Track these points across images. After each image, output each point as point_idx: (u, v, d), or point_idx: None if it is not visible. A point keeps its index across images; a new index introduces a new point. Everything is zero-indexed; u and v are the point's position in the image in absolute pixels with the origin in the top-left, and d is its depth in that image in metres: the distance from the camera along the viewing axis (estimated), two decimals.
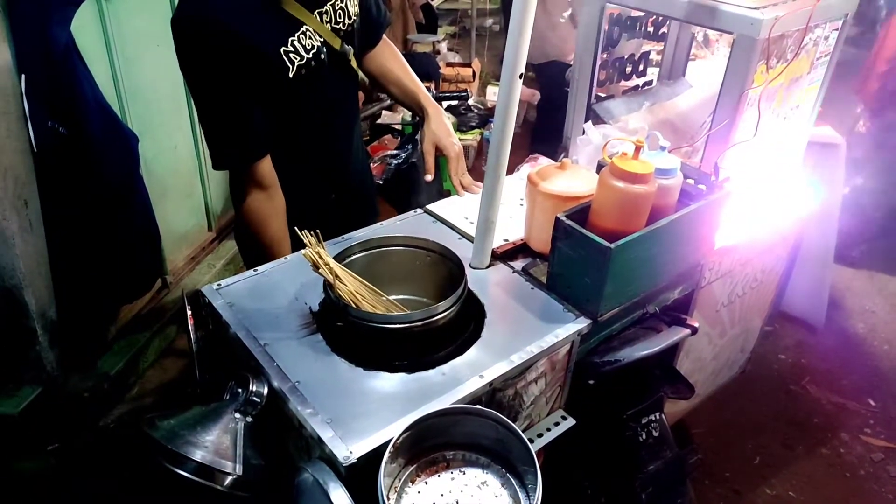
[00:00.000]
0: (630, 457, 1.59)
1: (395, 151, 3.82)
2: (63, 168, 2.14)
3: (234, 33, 1.32)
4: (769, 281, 2.01)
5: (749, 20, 1.49)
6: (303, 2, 1.41)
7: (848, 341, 3.09)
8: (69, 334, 2.35)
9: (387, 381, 1.19)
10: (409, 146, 3.67)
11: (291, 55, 1.41)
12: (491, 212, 1.42)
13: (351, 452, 1.03)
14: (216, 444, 1.09)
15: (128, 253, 2.44)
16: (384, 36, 1.76)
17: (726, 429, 2.54)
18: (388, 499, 1.00)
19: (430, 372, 1.21)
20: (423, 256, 1.43)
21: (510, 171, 1.51)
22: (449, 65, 5.26)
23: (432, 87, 4.68)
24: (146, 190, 2.52)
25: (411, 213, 1.76)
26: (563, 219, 1.33)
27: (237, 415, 1.14)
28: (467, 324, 1.32)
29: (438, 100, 3.52)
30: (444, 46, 5.54)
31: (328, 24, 1.48)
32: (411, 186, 3.09)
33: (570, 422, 1.40)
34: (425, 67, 4.82)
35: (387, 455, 0.98)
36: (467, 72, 5.16)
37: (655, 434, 1.61)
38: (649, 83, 2.25)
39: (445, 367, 1.22)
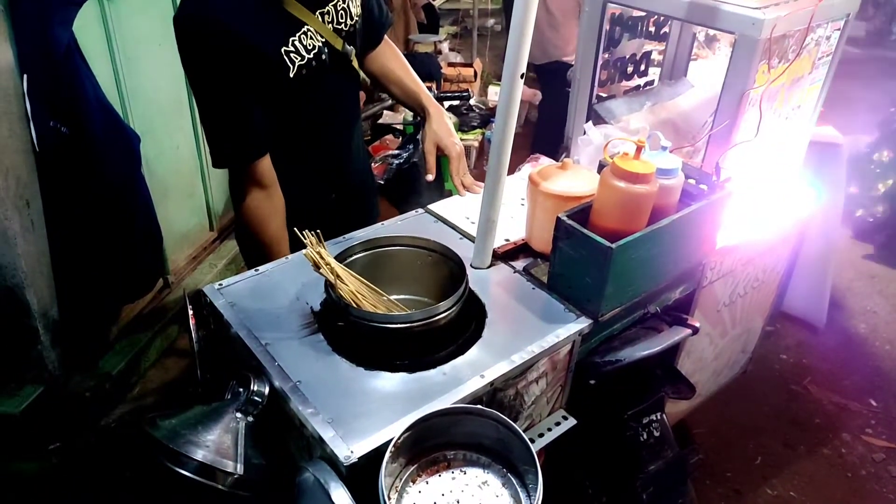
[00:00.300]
0: (631, 457, 1.59)
1: (396, 151, 3.82)
2: (65, 168, 2.15)
3: (234, 33, 1.32)
4: (770, 281, 2.01)
5: (750, 20, 1.49)
6: (304, 2, 1.41)
7: (849, 341, 3.08)
8: (71, 334, 2.35)
9: (388, 381, 1.19)
10: (411, 146, 3.67)
11: (292, 55, 1.41)
12: (492, 212, 1.42)
13: (352, 452, 1.03)
14: (217, 444, 1.09)
15: (129, 252, 2.45)
16: (385, 36, 1.76)
17: (727, 429, 2.54)
18: (389, 498, 1.00)
19: (431, 372, 1.21)
20: (425, 256, 1.43)
21: (511, 170, 1.51)
22: (450, 65, 5.25)
23: (434, 87, 4.68)
24: (148, 189, 2.52)
25: (412, 212, 1.76)
26: (565, 219, 1.33)
27: (238, 414, 1.15)
28: (468, 324, 1.32)
29: (440, 100, 3.52)
30: (445, 46, 5.54)
31: (330, 25, 1.48)
32: (412, 186, 3.09)
33: (571, 422, 1.40)
34: (427, 67, 4.82)
35: (388, 455, 0.99)
36: (469, 72, 5.16)
37: (656, 434, 1.61)
38: (651, 83, 2.25)
39: (446, 367, 1.22)
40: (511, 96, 1.28)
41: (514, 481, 1.07)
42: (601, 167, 1.58)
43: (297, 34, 1.42)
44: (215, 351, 1.36)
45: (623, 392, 1.56)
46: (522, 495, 1.04)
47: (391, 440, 1.01)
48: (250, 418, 1.15)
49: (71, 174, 2.17)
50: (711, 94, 1.91)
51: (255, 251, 1.55)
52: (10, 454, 2.22)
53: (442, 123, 1.64)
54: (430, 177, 1.64)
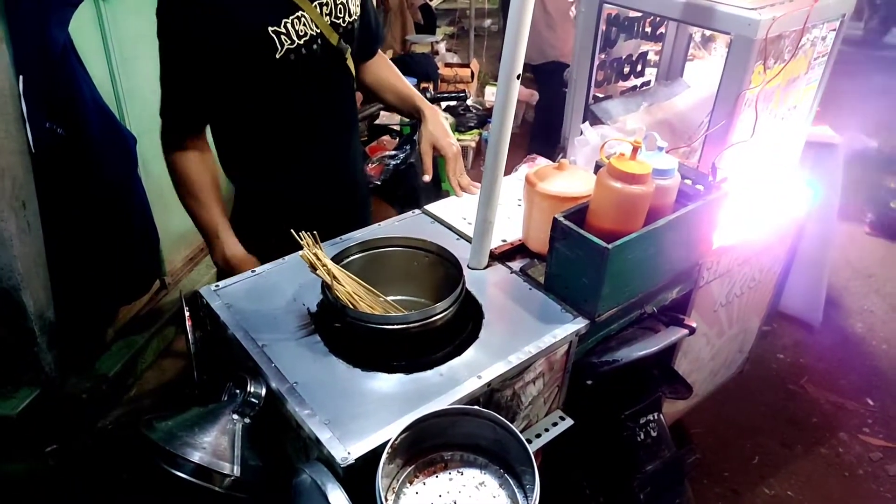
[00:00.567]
0: (628, 457, 1.59)
1: (393, 152, 3.82)
2: (61, 169, 2.14)
3: (217, 4, 1.32)
4: (767, 281, 2.01)
5: (746, 21, 1.50)
6: None
7: (846, 341, 3.09)
8: (67, 335, 2.35)
9: (385, 382, 1.19)
10: (408, 147, 3.67)
11: (282, 37, 1.40)
12: (489, 212, 1.42)
13: (349, 453, 1.03)
14: (214, 446, 1.09)
15: (126, 254, 2.44)
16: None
17: (725, 428, 2.54)
18: (386, 499, 1.00)
19: (428, 373, 1.20)
20: (421, 257, 1.43)
21: (508, 171, 1.51)
22: (447, 65, 5.26)
23: (430, 87, 4.68)
24: (144, 191, 2.52)
25: (409, 213, 1.76)
26: (561, 219, 1.33)
27: (235, 416, 1.14)
28: (465, 324, 1.32)
29: (437, 100, 3.52)
30: (442, 47, 5.55)
31: (327, 18, 1.48)
32: (409, 187, 3.09)
33: (569, 422, 1.40)
34: (424, 68, 4.82)
35: (385, 456, 0.98)
36: (465, 72, 5.16)
37: (653, 434, 1.61)
38: (647, 84, 2.25)
39: (443, 368, 1.22)
40: (507, 97, 1.28)
41: (512, 482, 1.07)
42: (598, 168, 1.58)
43: (291, 17, 1.41)
44: (212, 352, 1.35)
45: (620, 392, 1.56)
46: (520, 496, 1.04)
47: (388, 441, 1.01)
48: (247, 420, 1.15)
49: (67, 175, 2.17)
50: (707, 95, 1.91)
51: (185, 203, 1.61)
52: (7, 456, 2.21)
53: (438, 124, 1.64)
54: (427, 177, 1.64)
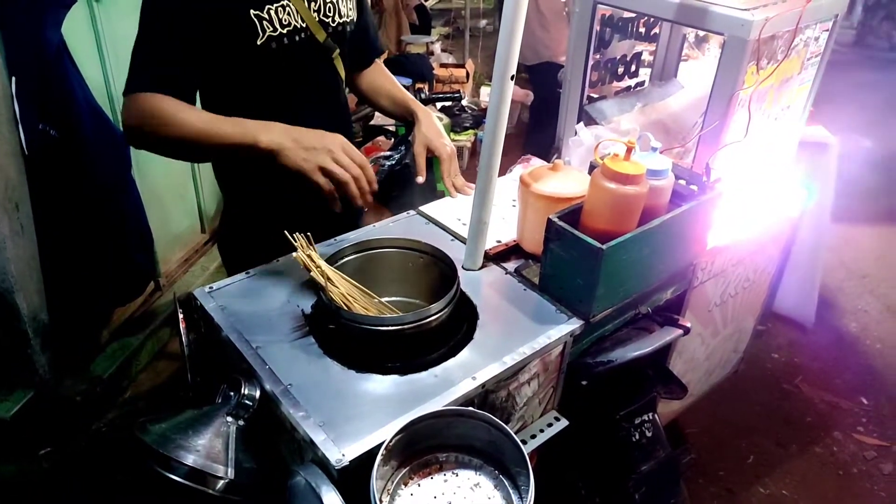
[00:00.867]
0: (623, 457, 1.59)
1: (388, 153, 3.80)
2: (54, 171, 2.14)
3: None
4: (761, 281, 2.02)
5: (739, 21, 1.50)
6: None
7: (841, 340, 3.10)
8: (61, 337, 2.34)
9: (379, 384, 1.18)
10: (403, 147, 3.65)
11: (265, 22, 1.38)
12: (483, 213, 1.42)
13: (343, 455, 1.02)
14: (208, 448, 1.08)
15: (120, 255, 2.44)
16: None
17: (720, 428, 2.55)
18: (381, 501, 1.00)
19: (423, 374, 1.20)
20: (416, 258, 1.43)
21: (503, 172, 1.51)
22: (442, 66, 5.26)
23: (426, 87, 4.68)
24: (138, 192, 2.51)
25: (404, 214, 1.76)
26: (556, 220, 1.33)
27: (229, 418, 1.14)
28: (460, 325, 1.32)
29: (432, 100, 3.52)
30: (437, 47, 5.55)
31: (315, 14, 1.47)
32: (404, 188, 3.09)
33: (563, 423, 1.40)
34: (419, 68, 4.82)
35: (379, 458, 0.98)
36: (461, 72, 5.17)
37: (648, 434, 1.61)
38: (641, 84, 2.26)
39: (438, 369, 1.21)
40: (501, 97, 1.28)
41: (507, 483, 1.07)
42: (592, 168, 1.58)
43: (275, 5, 1.39)
44: (206, 354, 1.35)
45: (615, 393, 1.56)
46: (514, 497, 1.04)
47: (383, 443, 1.00)
48: (241, 422, 1.14)
49: (60, 177, 2.16)
50: (701, 95, 1.92)
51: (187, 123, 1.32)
52: (1, 459, 2.20)
53: (431, 125, 1.64)
54: (421, 179, 1.64)
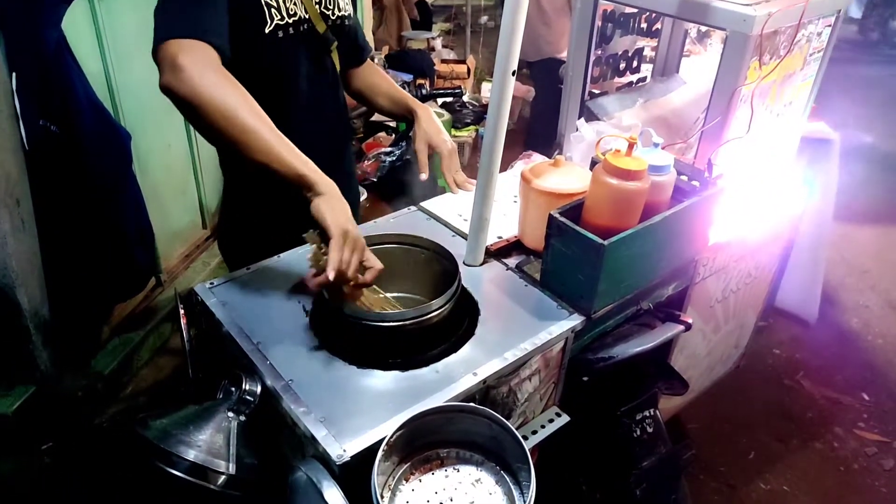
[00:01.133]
0: (624, 453, 1.59)
1: (388, 149, 3.82)
2: (55, 166, 2.13)
3: None
4: (763, 277, 2.01)
5: (742, 16, 1.50)
6: None
7: (842, 336, 3.10)
8: (62, 333, 2.34)
9: (380, 380, 1.18)
10: (403, 143, 3.67)
11: (273, 10, 1.38)
12: (485, 209, 1.42)
13: (344, 451, 1.02)
14: (209, 444, 1.08)
15: (121, 251, 2.44)
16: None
17: (721, 424, 2.55)
18: (382, 497, 1.00)
19: (424, 370, 1.20)
20: (417, 254, 1.43)
21: (504, 168, 1.51)
22: (443, 61, 5.26)
23: (426, 83, 4.67)
24: (139, 188, 2.51)
25: (405, 210, 1.75)
26: (557, 216, 1.33)
27: (230, 414, 1.14)
28: (461, 321, 1.32)
29: (433, 96, 3.52)
30: (438, 43, 5.54)
31: (317, 5, 1.47)
32: (405, 183, 3.08)
33: (565, 419, 1.40)
34: (419, 64, 4.81)
35: (380, 453, 0.98)
36: (462, 68, 5.16)
37: (650, 430, 1.61)
38: (643, 80, 2.25)
39: (439, 365, 1.21)
40: (503, 93, 1.28)
41: (508, 479, 1.07)
42: (593, 164, 1.58)
43: None
44: (207, 350, 1.35)
45: (616, 388, 1.56)
46: (516, 493, 1.04)
47: (384, 439, 1.00)
48: (242, 417, 1.15)
49: (61, 173, 2.16)
50: (703, 91, 1.91)
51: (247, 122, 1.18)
52: (2, 454, 2.21)
53: (431, 122, 1.64)
54: (424, 176, 1.64)
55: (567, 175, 1.48)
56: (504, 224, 1.62)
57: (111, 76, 2.49)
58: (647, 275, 1.45)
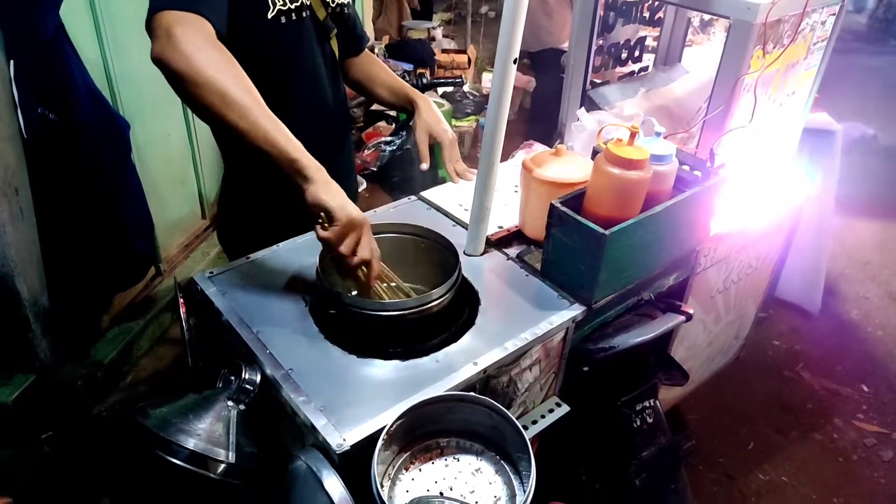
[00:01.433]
0: (624, 443, 1.59)
1: (389, 138, 3.80)
2: (54, 155, 2.12)
3: None
4: (764, 267, 2.01)
5: (745, 4, 1.48)
6: None
7: (842, 328, 3.10)
8: (62, 322, 2.34)
9: (380, 369, 1.18)
10: (403, 133, 3.65)
11: None
12: (485, 198, 1.41)
13: (344, 440, 1.02)
14: (209, 432, 1.08)
15: (121, 240, 2.43)
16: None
17: (720, 415, 2.55)
18: (382, 486, 1.00)
19: (424, 359, 1.20)
20: (417, 243, 1.42)
21: (505, 157, 1.50)
22: (444, 51, 5.23)
23: (427, 73, 4.65)
24: (138, 177, 2.50)
25: (405, 199, 1.75)
26: (558, 205, 1.32)
27: (230, 402, 1.14)
28: (461, 311, 1.32)
29: (433, 86, 3.50)
30: (439, 33, 5.51)
31: None
32: (405, 173, 3.08)
33: (565, 409, 1.40)
34: (420, 54, 4.79)
35: (380, 442, 0.98)
36: (462, 58, 5.13)
37: (650, 420, 1.61)
38: (645, 69, 2.24)
39: (439, 355, 1.21)
40: (504, 83, 1.27)
41: (508, 468, 1.07)
42: (595, 153, 1.57)
43: None
44: (207, 339, 1.35)
45: (616, 379, 1.56)
46: (516, 482, 1.04)
47: (384, 428, 1.00)
48: (242, 406, 1.14)
49: (60, 162, 2.15)
50: (706, 80, 1.90)
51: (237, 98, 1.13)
52: (2, 443, 2.21)
53: (431, 112, 1.63)
54: (425, 165, 1.63)
55: (568, 164, 1.47)
56: (505, 214, 1.61)
57: (109, 65, 2.48)
58: (649, 265, 1.44)
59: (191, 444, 1.05)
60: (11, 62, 1.94)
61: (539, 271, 1.44)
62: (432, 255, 1.41)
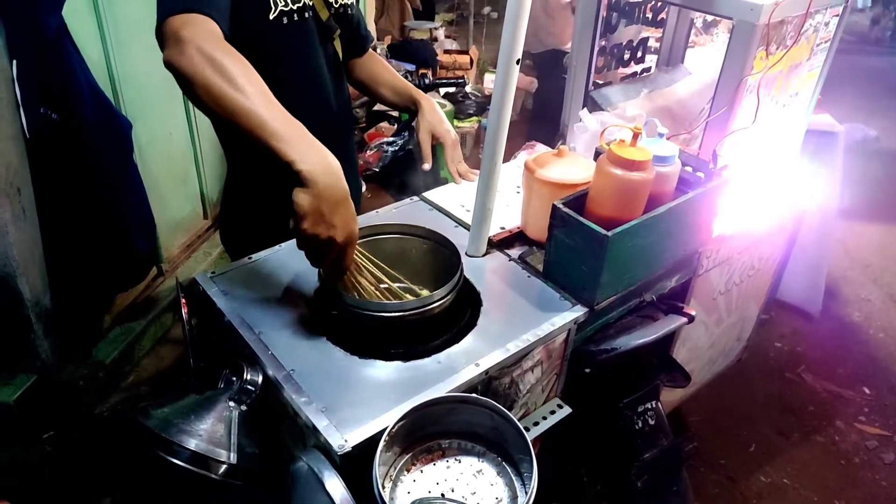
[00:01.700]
0: (626, 445, 1.59)
1: (391, 139, 3.80)
2: (56, 155, 2.12)
3: None
4: (766, 269, 2.01)
5: (749, 5, 1.48)
6: None
7: (844, 330, 3.09)
8: (64, 322, 2.34)
9: (382, 370, 1.18)
10: (406, 133, 3.65)
11: None
12: (487, 199, 1.41)
13: (346, 441, 1.02)
14: (210, 433, 1.08)
15: (122, 240, 2.43)
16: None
17: (722, 417, 2.55)
18: (384, 487, 0.99)
19: (426, 360, 1.20)
20: (419, 244, 1.42)
21: (507, 158, 1.50)
22: (446, 52, 5.23)
23: (429, 73, 4.65)
24: (140, 177, 2.50)
25: (407, 200, 1.75)
26: (560, 206, 1.32)
27: (231, 403, 1.14)
28: (463, 312, 1.31)
29: (435, 86, 3.50)
30: (441, 33, 5.51)
31: None
32: (407, 173, 3.08)
33: (567, 410, 1.40)
34: (422, 54, 4.79)
35: (382, 444, 0.98)
36: (464, 59, 5.13)
37: (651, 422, 1.61)
38: (647, 70, 2.24)
39: (441, 356, 1.21)
40: (507, 83, 1.26)
41: (509, 470, 1.06)
42: (597, 154, 1.57)
43: None
44: (208, 340, 1.35)
45: (618, 380, 1.56)
46: (517, 484, 1.04)
47: (385, 429, 1.00)
48: (244, 407, 1.14)
49: (62, 161, 2.15)
50: (709, 81, 1.90)
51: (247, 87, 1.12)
52: (4, 443, 2.21)
53: (434, 113, 1.63)
54: (427, 165, 1.64)
55: (571, 165, 1.47)
56: (507, 215, 1.61)
57: (112, 64, 2.48)
58: (651, 266, 1.44)
59: (192, 444, 1.05)
60: (14, 62, 1.95)
61: (541, 272, 1.44)
62: (434, 255, 1.41)
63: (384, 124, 4.17)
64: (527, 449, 1.01)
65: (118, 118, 2.33)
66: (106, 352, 2.55)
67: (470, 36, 5.88)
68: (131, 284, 2.68)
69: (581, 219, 1.29)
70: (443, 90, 4.32)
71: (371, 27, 5.16)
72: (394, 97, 1.75)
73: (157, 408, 1.11)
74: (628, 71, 2.20)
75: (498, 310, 1.33)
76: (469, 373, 1.17)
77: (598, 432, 1.60)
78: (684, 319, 1.48)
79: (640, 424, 1.59)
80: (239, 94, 1.10)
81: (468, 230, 1.50)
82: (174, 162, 3.04)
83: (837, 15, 1.75)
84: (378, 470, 0.96)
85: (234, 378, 1.16)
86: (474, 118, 4.60)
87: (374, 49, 1.81)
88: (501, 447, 1.08)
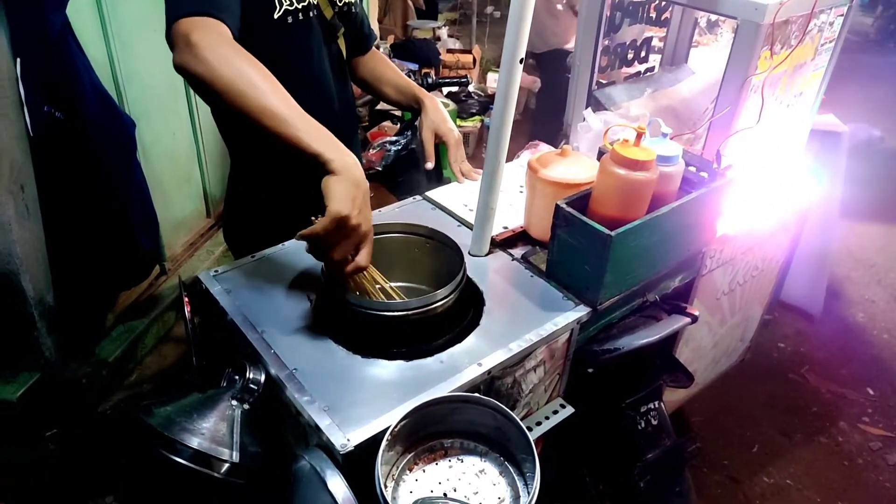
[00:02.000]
0: (629, 445, 1.59)
1: (394, 138, 3.79)
2: (60, 153, 2.13)
3: None
4: (770, 269, 2.00)
5: (753, 5, 1.48)
6: None
7: (847, 330, 3.09)
8: (67, 320, 2.35)
9: (385, 369, 1.18)
10: (409, 132, 3.64)
11: None
12: (490, 199, 1.40)
13: (348, 440, 1.02)
14: (213, 432, 1.08)
15: (125, 239, 2.43)
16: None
17: (725, 417, 2.54)
18: (386, 486, 0.99)
19: (429, 360, 1.20)
20: (422, 243, 1.42)
21: (510, 157, 1.50)
22: (449, 51, 5.23)
23: (432, 72, 4.65)
24: (143, 176, 2.51)
25: (410, 199, 1.74)
26: (564, 206, 1.31)
27: (234, 402, 1.14)
28: (466, 311, 1.31)
29: (438, 85, 3.50)
30: (444, 33, 5.51)
31: None
32: (410, 173, 3.07)
33: (569, 410, 1.40)
34: (425, 53, 4.79)
35: (384, 443, 0.98)
36: (467, 58, 5.13)
37: (654, 422, 1.60)
38: (651, 69, 2.23)
39: (444, 355, 1.21)
40: (510, 81, 1.26)
41: (512, 469, 1.06)
42: (601, 154, 1.56)
43: None
44: (211, 338, 1.35)
45: (621, 380, 1.55)
46: (520, 483, 1.04)
47: (388, 428, 1.00)
48: (246, 406, 1.14)
49: (66, 160, 2.15)
50: (712, 81, 1.90)
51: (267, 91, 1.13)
52: (7, 441, 2.22)
53: (438, 112, 1.63)
54: (430, 164, 1.64)
55: (574, 165, 1.46)
56: (510, 214, 1.61)
57: (115, 63, 2.48)
58: (654, 266, 1.43)
59: (195, 443, 1.05)
60: (18, 60, 1.95)
61: (544, 272, 1.43)
62: (437, 255, 1.40)
63: (387, 123, 4.17)
64: (529, 449, 1.01)
65: (122, 117, 2.34)
66: (109, 350, 2.55)
67: (473, 35, 5.88)
68: (134, 283, 2.69)
69: (584, 218, 1.28)
70: (446, 89, 4.32)
71: (374, 26, 5.16)
72: (397, 96, 1.75)
73: (160, 406, 1.11)
74: (632, 70, 2.19)
75: (501, 309, 1.33)
76: (472, 372, 1.17)
77: (601, 432, 1.60)
78: (688, 320, 1.48)
79: (643, 425, 1.59)
80: (259, 94, 1.10)
81: (471, 229, 1.49)
82: (177, 161, 3.05)
83: (842, 14, 1.74)
84: (380, 469, 0.96)
85: (237, 377, 1.16)
86: (477, 117, 4.60)
87: (378, 48, 1.81)
88: (504, 447, 1.08)
